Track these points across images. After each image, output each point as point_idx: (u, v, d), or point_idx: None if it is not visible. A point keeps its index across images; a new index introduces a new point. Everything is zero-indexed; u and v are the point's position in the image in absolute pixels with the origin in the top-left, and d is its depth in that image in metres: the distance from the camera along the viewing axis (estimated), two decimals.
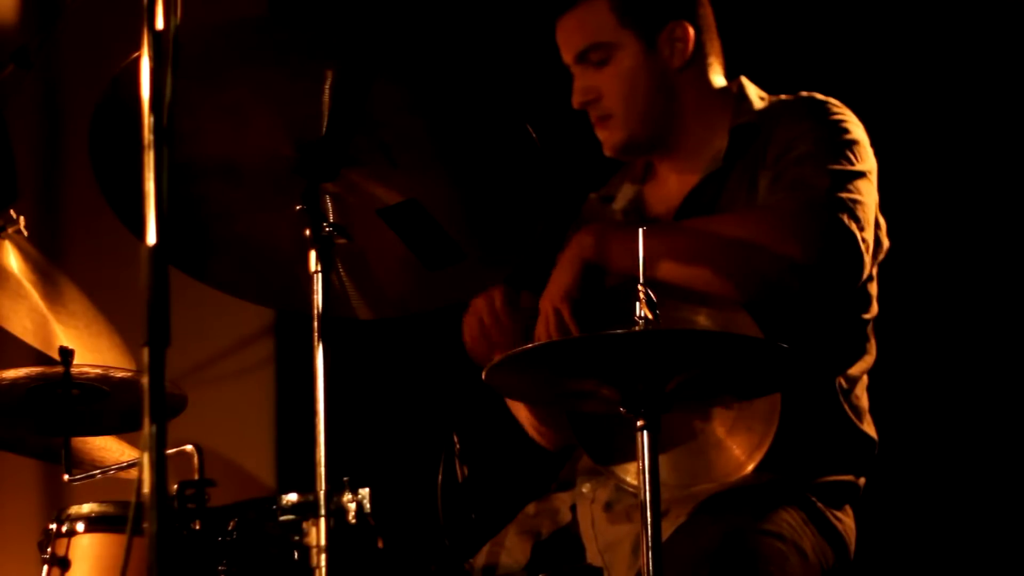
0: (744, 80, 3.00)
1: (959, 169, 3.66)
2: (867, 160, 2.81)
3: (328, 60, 2.18)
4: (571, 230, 3.00)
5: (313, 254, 2.25)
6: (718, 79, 2.97)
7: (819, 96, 2.90)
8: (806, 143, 2.79)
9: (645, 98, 2.91)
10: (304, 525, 2.16)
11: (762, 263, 2.64)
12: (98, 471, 2.88)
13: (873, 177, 2.80)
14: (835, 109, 2.86)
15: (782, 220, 2.69)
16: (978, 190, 3.65)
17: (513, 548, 2.87)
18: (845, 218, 2.67)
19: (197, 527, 2.28)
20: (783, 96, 2.95)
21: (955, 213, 3.66)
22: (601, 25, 2.91)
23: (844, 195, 2.70)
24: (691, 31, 2.92)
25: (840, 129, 2.81)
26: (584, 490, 2.84)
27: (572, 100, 2.94)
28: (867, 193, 2.75)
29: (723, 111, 2.94)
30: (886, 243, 2.85)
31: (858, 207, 2.70)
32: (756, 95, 2.97)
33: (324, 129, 2.25)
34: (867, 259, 2.70)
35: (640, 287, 2.14)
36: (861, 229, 2.68)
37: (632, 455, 2.19)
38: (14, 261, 2.96)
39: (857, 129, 2.84)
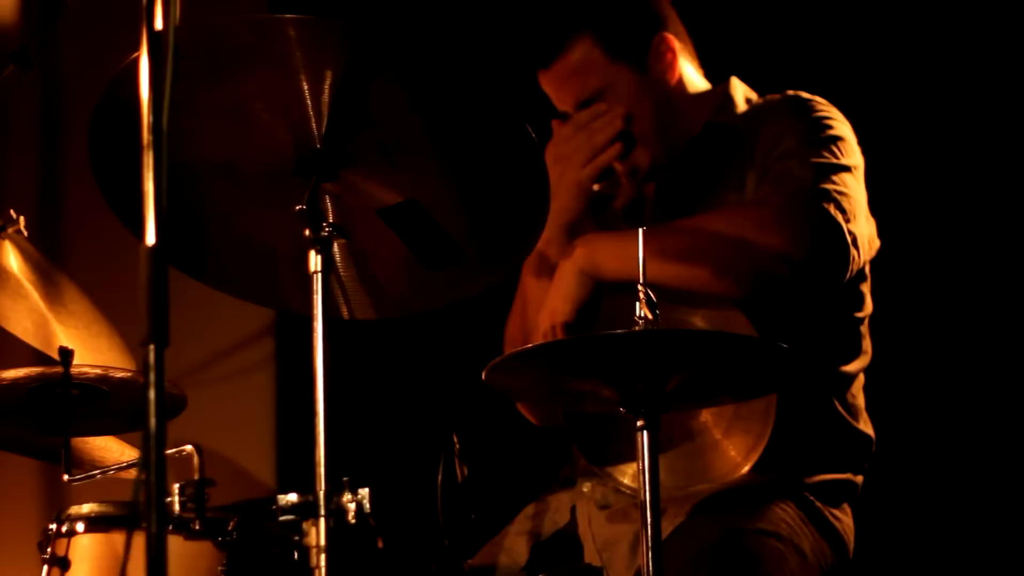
0: (734, 81, 3.01)
1: (952, 167, 3.67)
2: (852, 156, 2.82)
3: (328, 60, 2.18)
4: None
5: (313, 254, 2.25)
6: (698, 80, 3.01)
7: (804, 95, 2.92)
8: (791, 139, 2.81)
9: (652, 119, 2.93)
10: (304, 525, 2.16)
11: (752, 257, 2.65)
12: (98, 471, 2.88)
13: (859, 173, 2.81)
14: (819, 106, 2.88)
15: (768, 213, 2.70)
16: (971, 188, 3.66)
17: (513, 548, 2.87)
18: (831, 208, 2.68)
19: (197, 527, 2.27)
20: (771, 96, 2.97)
21: (948, 211, 3.66)
22: (593, 68, 2.91)
23: (828, 186, 2.72)
24: (670, 38, 2.95)
25: (824, 126, 2.83)
26: (584, 489, 2.84)
27: None
28: (852, 187, 2.76)
29: (707, 110, 2.97)
30: (877, 242, 2.86)
31: (843, 199, 2.71)
32: (743, 97, 2.98)
33: (323, 129, 2.25)
34: (855, 251, 2.70)
35: (640, 287, 2.14)
36: (847, 220, 2.69)
37: (627, 457, 2.19)
38: (14, 261, 2.95)
39: (842, 126, 2.85)
